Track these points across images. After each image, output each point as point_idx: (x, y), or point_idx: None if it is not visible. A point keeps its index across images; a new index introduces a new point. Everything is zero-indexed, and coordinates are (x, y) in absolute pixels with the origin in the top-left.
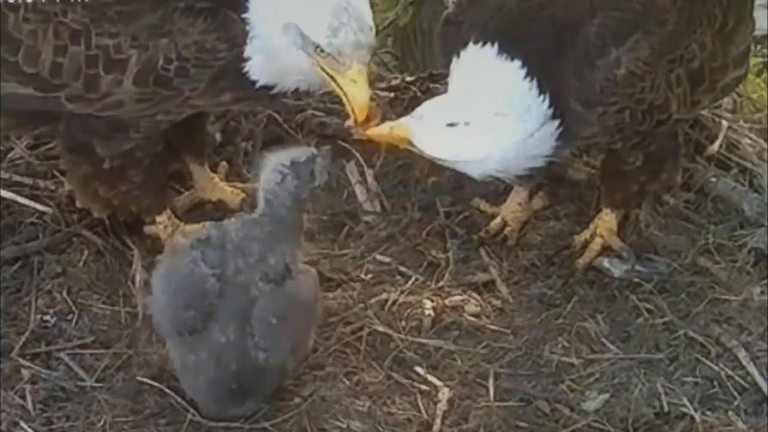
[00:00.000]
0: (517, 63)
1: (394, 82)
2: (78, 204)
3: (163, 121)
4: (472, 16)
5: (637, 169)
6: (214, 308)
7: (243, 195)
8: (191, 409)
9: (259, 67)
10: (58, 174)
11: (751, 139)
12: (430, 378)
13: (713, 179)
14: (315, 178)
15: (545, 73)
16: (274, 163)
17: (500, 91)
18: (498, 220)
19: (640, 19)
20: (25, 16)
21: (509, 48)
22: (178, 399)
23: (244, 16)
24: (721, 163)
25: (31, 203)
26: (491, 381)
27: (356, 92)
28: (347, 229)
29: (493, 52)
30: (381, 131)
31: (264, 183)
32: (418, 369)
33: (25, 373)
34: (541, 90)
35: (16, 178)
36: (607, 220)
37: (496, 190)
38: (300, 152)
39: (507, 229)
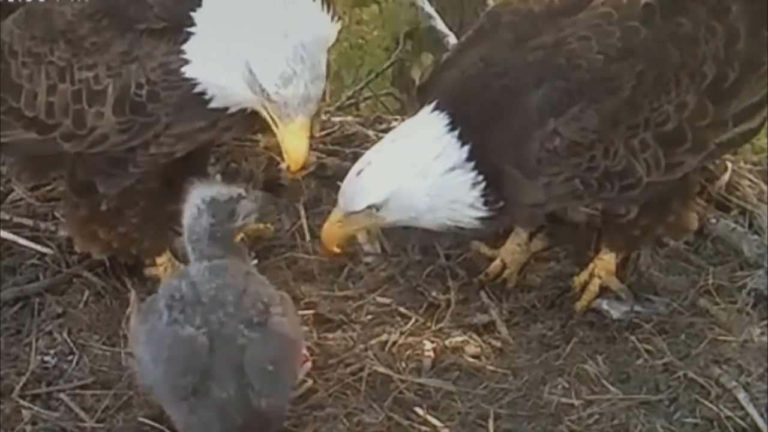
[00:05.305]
0: (448, 119)
1: (393, 124)
2: (77, 249)
3: (158, 155)
4: (439, 83)
5: (636, 218)
6: (209, 366)
7: (241, 235)
8: None
9: (206, 88)
10: (58, 215)
11: (750, 180)
12: (430, 419)
13: (713, 220)
14: (236, 219)
15: (479, 134)
16: (195, 198)
17: (417, 136)
18: (497, 262)
19: (586, 88)
20: (23, 60)
21: (452, 107)
22: None
23: (191, 34)
24: (720, 205)
25: (32, 244)
26: (491, 422)
27: (296, 145)
28: (347, 270)
29: (429, 108)
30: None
31: (184, 217)
32: (418, 410)
33: (25, 413)
34: (462, 142)
35: (17, 219)
36: (606, 260)
37: (496, 232)
38: (225, 190)
39: (506, 272)
